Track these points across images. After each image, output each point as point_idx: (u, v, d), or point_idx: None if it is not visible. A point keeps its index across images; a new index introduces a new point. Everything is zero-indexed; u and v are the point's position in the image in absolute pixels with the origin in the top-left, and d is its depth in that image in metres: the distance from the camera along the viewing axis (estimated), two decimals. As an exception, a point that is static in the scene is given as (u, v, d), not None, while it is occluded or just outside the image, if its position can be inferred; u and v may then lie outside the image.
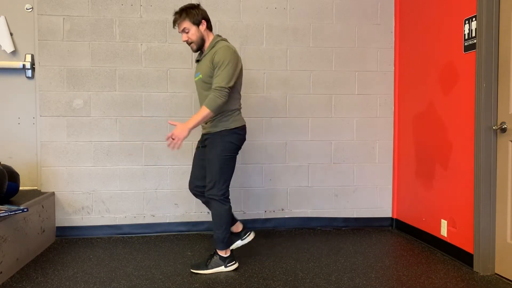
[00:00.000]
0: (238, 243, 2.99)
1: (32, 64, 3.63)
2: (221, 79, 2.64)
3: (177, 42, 3.71)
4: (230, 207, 2.81)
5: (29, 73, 3.64)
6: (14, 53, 3.65)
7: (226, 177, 2.78)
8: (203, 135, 2.91)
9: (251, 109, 3.81)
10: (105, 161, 3.66)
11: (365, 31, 3.92)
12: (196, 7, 2.77)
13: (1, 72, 3.64)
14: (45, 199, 3.38)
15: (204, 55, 2.79)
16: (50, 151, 3.60)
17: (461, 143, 2.99)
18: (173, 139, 2.60)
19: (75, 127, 3.62)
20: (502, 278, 2.73)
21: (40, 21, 3.56)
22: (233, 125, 2.77)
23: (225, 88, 2.64)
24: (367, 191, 3.98)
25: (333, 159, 3.93)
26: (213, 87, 2.66)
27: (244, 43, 3.79)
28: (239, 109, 2.84)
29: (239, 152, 2.93)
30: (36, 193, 3.50)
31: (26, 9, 3.64)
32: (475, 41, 2.83)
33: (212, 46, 2.76)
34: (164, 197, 3.74)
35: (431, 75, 3.36)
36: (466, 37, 2.92)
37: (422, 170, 3.51)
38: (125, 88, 3.67)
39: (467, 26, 2.92)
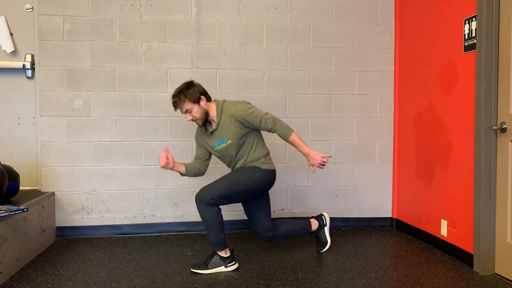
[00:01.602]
0: (326, 233, 3.24)
1: (32, 64, 3.63)
2: (265, 119, 2.80)
3: (177, 42, 3.71)
4: (219, 209, 2.76)
5: (29, 73, 3.64)
6: (14, 53, 3.65)
7: (228, 196, 2.76)
8: None
9: (251, 109, 3.81)
10: (105, 161, 3.66)
11: (365, 31, 3.92)
12: (191, 85, 2.81)
13: (1, 72, 3.64)
14: (45, 199, 3.38)
15: (218, 123, 2.84)
16: (50, 151, 3.60)
17: (461, 143, 2.99)
18: (322, 166, 2.85)
19: (75, 127, 3.62)
20: (502, 278, 2.73)
21: (40, 21, 3.56)
22: (268, 166, 2.91)
23: (273, 118, 2.82)
24: (367, 191, 3.98)
25: (333, 159, 3.93)
26: (270, 128, 2.81)
27: (244, 43, 3.79)
28: (268, 153, 2.98)
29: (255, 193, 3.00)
30: (36, 193, 3.51)
31: (26, 9, 3.64)
32: (475, 41, 2.83)
33: (221, 112, 2.83)
34: (164, 197, 3.74)
35: (431, 75, 3.36)
36: (466, 37, 2.92)
37: (422, 170, 3.51)
38: (125, 88, 3.67)
39: (467, 26, 2.92)
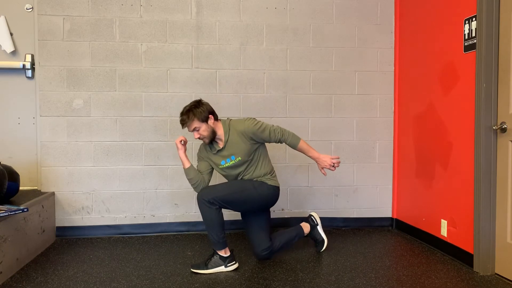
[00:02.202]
0: (320, 232, 3.25)
1: (32, 64, 3.63)
2: (273, 131, 2.90)
3: (177, 42, 3.71)
4: (218, 209, 2.78)
5: (29, 73, 3.64)
6: (14, 53, 3.65)
7: (229, 201, 2.81)
8: None
9: (251, 109, 3.81)
10: (105, 161, 3.66)
11: (365, 31, 3.92)
12: (200, 104, 2.86)
13: (1, 72, 3.64)
14: (45, 199, 3.38)
15: (226, 141, 2.87)
16: (50, 151, 3.60)
17: (461, 143, 2.99)
18: (334, 167, 2.93)
19: (75, 127, 3.62)
20: (502, 278, 2.73)
21: (40, 21, 3.56)
22: (276, 184, 2.99)
23: (279, 129, 2.91)
24: (367, 191, 3.98)
25: (333, 159, 3.93)
26: (278, 138, 2.91)
27: (244, 43, 3.79)
28: (273, 169, 3.05)
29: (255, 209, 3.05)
30: (36, 193, 3.51)
31: (26, 9, 3.64)
32: (475, 41, 2.83)
33: (228, 130, 2.88)
34: (164, 197, 3.74)
35: (431, 75, 3.36)
36: (466, 37, 2.92)
37: (422, 170, 3.51)
38: (125, 88, 3.67)
39: (467, 26, 2.92)
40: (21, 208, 2.76)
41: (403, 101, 3.83)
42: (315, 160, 2.96)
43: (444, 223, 3.19)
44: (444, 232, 3.19)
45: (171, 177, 3.74)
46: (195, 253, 3.22)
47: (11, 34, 3.63)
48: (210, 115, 2.85)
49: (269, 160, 3.04)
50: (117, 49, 3.65)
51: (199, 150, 3.05)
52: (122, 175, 3.69)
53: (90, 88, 3.63)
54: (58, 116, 3.60)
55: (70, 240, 3.55)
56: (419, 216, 3.54)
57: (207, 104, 2.88)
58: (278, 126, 2.93)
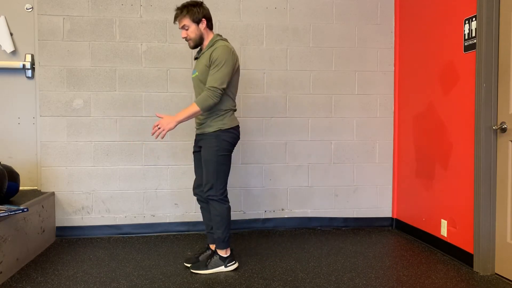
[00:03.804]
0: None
1: (32, 64, 3.63)
2: (214, 80, 2.66)
3: (177, 42, 3.71)
4: (229, 207, 2.82)
5: (29, 73, 3.64)
6: (14, 53, 3.65)
7: (223, 176, 2.79)
8: (197, 135, 2.91)
9: (251, 109, 3.81)
10: (105, 161, 3.66)
11: (365, 31, 3.92)
12: (199, 4, 2.77)
13: (1, 72, 3.64)
14: (45, 199, 3.38)
15: (202, 53, 2.80)
16: (50, 151, 3.60)
17: (461, 143, 2.99)
18: (159, 128, 2.65)
19: (75, 127, 3.62)
20: (502, 278, 2.73)
21: (40, 21, 3.56)
22: (227, 125, 2.77)
23: (218, 89, 2.66)
24: (367, 191, 3.98)
25: (333, 159, 3.93)
26: (206, 86, 2.68)
27: (244, 43, 3.79)
28: (232, 109, 2.82)
29: (235, 151, 2.95)
30: (36, 193, 3.50)
31: (26, 9, 3.64)
32: (475, 41, 2.83)
33: (211, 45, 2.77)
34: (164, 197, 3.74)
35: (431, 75, 3.36)
36: (466, 37, 2.92)
37: (422, 170, 3.51)
38: (125, 88, 3.67)
39: (467, 26, 2.92)
40: (21, 208, 2.76)
41: (403, 101, 3.83)
42: (171, 117, 2.67)
43: (444, 223, 3.19)
44: (444, 232, 3.19)
45: (171, 177, 3.74)
46: (195, 253, 3.21)
47: (11, 34, 3.63)
48: (203, 19, 2.75)
49: (230, 99, 2.79)
50: (117, 49, 3.65)
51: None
52: (122, 175, 3.69)
53: (90, 88, 3.63)
54: (58, 116, 3.60)
55: (70, 240, 3.55)
56: (419, 216, 3.54)
57: (206, 8, 2.78)
58: (221, 88, 2.64)
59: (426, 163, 3.44)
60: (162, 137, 2.68)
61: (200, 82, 2.79)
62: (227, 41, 2.82)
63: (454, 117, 3.07)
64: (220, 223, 2.79)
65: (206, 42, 2.82)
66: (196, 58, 2.89)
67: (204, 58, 2.76)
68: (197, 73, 2.80)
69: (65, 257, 3.12)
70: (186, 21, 2.75)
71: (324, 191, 3.94)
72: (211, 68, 2.69)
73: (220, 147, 2.75)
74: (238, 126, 2.85)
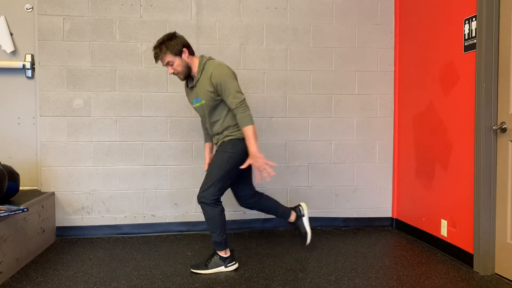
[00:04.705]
0: (305, 224, 3.11)
1: (32, 64, 3.63)
2: (233, 97, 2.68)
3: (177, 42, 3.71)
4: (223, 209, 2.78)
5: (29, 73, 3.64)
6: (14, 53, 3.65)
7: (223, 184, 2.77)
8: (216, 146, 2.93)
9: (251, 109, 3.81)
10: (105, 161, 3.66)
11: (365, 31, 3.92)
12: (174, 37, 2.73)
13: (1, 72, 3.64)
14: (45, 199, 3.38)
15: (197, 80, 2.78)
16: (50, 151, 3.60)
17: (461, 143, 2.99)
18: (261, 172, 2.68)
19: (75, 127, 3.62)
20: (502, 278, 2.73)
21: (40, 21, 3.56)
22: (243, 136, 2.79)
23: (241, 100, 2.68)
24: (367, 191, 3.98)
25: (333, 159, 3.93)
26: (233, 108, 2.68)
27: (244, 43, 3.79)
28: None
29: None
30: (36, 193, 3.51)
31: (26, 9, 3.64)
32: (475, 41, 2.83)
33: (202, 69, 2.76)
34: (164, 197, 3.74)
35: (431, 75, 3.36)
36: (466, 37, 2.92)
37: (422, 170, 3.51)
38: (125, 88, 3.67)
39: (467, 26, 2.92)
40: (21, 208, 2.76)
41: (403, 101, 3.83)
42: (250, 154, 2.71)
43: (444, 223, 3.19)
44: (444, 232, 3.19)
45: (171, 177, 3.74)
46: (195, 253, 3.22)
47: (11, 34, 3.63)
48: (184, 49, 2.72)
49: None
50: (117, 49, 3.65)
51: (185, 89, 2.99)
52: (122, 175, 3.69)
53: (90, 88, 3.63)
54: (58, 116, 3.60)
55: (70, 240, 3.55)
56: (419, 216, 3.54)
57: (181, 37, 2.74)
58: (243, 97, 2.69)
59: (426, 163, 3.44)
60: (272, 174, 2.67)
61: (209, 107, 2.78)
62: (212, 58, 2.83)
63: (454, 117, 3.07)
64: (213, 226, 2.77)
65: (195, 69, 2.79)
66: (191, 87, 2.85)
67: (204, 85, 2.74)
68: (203, 102, 2.78)
69: (65, 257, 3.12)
70: (169, 57, 2.71)
71: (324, 191, 3.94)
72: (222, 92, 2.69)
73: (235, 152, 2.77)
74: None
